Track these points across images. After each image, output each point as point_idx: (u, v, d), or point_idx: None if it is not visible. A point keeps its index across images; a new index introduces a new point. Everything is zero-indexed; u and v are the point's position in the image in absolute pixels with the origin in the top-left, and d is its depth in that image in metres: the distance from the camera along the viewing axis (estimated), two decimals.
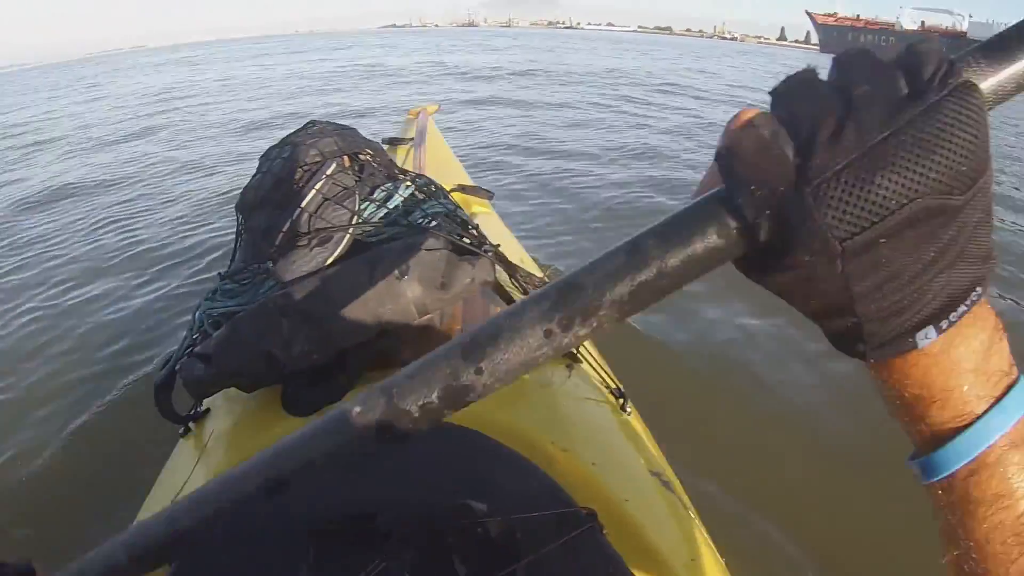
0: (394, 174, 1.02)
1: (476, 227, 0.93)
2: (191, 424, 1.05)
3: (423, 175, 1.02)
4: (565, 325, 0.28)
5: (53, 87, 18.05)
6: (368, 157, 1.02)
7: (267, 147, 1.04)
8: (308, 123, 1.08)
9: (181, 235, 3.91)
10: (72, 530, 1.69)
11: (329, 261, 0.89)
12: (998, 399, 0.27)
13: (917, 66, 0.25)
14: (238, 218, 1.05)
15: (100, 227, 4.18)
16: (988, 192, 0.26)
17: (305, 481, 0.33)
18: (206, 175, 5.44)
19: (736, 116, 0.27)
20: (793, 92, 0.26)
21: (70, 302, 3.12)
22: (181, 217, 4.24)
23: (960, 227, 0.25)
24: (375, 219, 0.93)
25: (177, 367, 0.96)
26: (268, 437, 0.86)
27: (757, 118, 0.26)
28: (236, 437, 0.94)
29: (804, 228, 0.25)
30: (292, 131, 1.07)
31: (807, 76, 0.26)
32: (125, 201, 4.80)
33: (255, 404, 0.95)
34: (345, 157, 1.01)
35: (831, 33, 43.15)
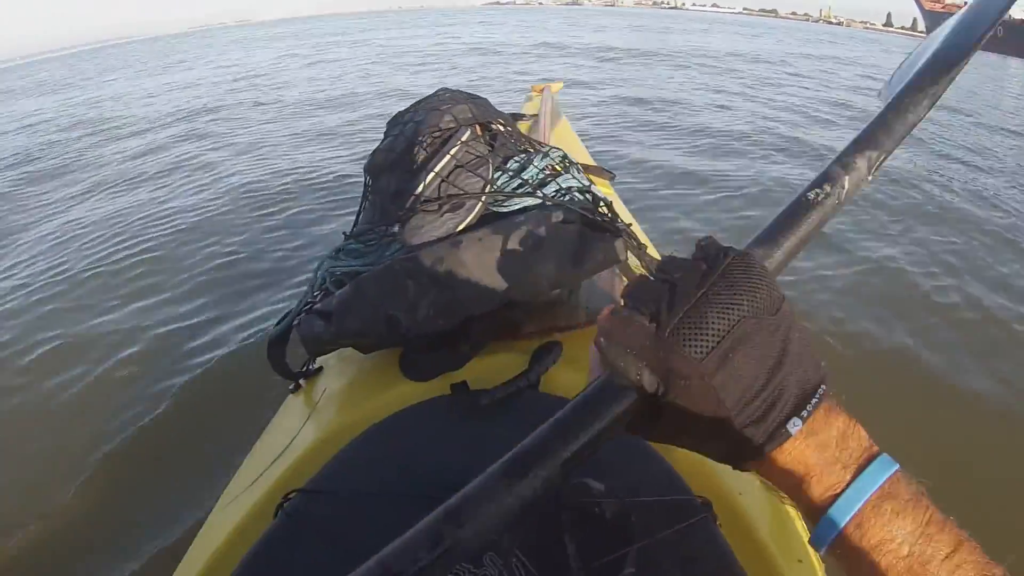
0: (527, 146, 1.07)
1: (610, 204, 0.96)
2: (302, 381, 1.12)
3: (558, 148, 1.06)
4: (526, 483, 0.37)
5: (141, 63, 19.39)
6: (500, 127, 1.08)
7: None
8: (440, 90, 1.14)
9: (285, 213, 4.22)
10: (178, 479, 1.87)
11: (459, 228, 0.94)
12: (862, 467, 0.37)
13: (707, 254, 0.39)
14: (366, 179, 1.12)
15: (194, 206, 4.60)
16: (791, 319, 0.38)
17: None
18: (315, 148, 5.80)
19: (601, 311, 0.41)
20: (638, 288, 0.39)
21: (163, 269, 3.46)
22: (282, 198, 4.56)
23: (785, 339, 0.37)
24: (508, 189, 0.98)
25: (295, 323, 1.04)
26: (383, 399, 0.92)
27: (615, 308, 0.39)
28: (350, 396, 1.00)
29: (673, 361, 0.36)
30: (422, 97, 1.15)
31: (643, 280, 0.40)
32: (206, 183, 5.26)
33: (371, 365, 1.01)
34: (477, 126, 1.06)
35: (938, 20, 40.38)
